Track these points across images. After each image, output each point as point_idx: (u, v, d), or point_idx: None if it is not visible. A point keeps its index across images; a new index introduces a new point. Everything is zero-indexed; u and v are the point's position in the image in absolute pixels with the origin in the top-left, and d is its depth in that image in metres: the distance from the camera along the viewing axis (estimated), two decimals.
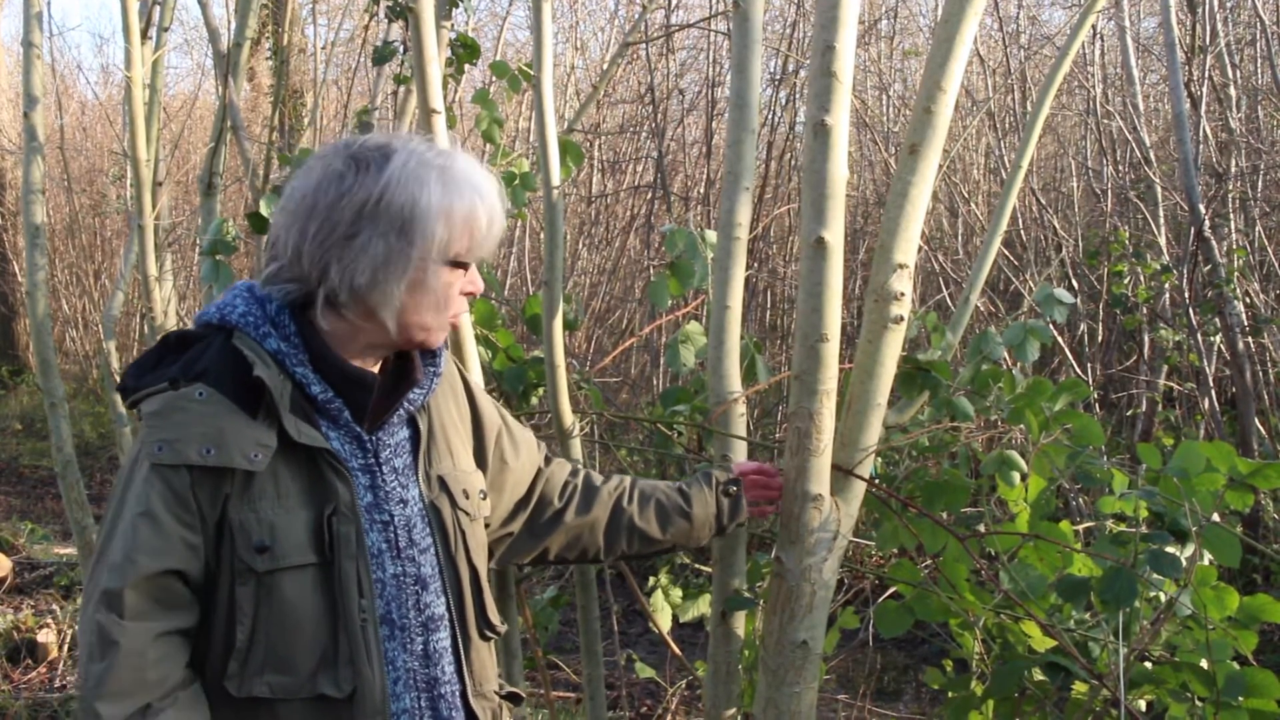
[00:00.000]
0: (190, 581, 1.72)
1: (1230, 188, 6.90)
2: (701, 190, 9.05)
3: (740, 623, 2.60)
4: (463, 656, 1.92)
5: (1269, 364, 6.67)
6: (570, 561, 2.36)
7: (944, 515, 2.65)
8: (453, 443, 2.01)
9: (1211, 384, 6.61)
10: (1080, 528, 2.99)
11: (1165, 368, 7.12)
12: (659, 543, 2.32)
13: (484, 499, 2.04)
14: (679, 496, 2.32)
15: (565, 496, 2.26)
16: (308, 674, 1.74)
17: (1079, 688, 2.53)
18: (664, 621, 3.16)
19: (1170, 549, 2.33)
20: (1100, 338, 7.64)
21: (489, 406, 2.16)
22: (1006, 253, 7.57)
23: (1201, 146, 6.62)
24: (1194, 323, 6.50)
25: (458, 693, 1.90)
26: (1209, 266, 6.41)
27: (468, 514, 1.97)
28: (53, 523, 8.32)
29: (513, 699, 2.07)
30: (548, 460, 2.30)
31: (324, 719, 1.75)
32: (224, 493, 1.72)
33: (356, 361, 1.85)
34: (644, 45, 8.34)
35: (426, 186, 1.77)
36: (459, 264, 1.83)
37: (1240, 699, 2.29)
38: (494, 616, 1.99)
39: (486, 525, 2.10)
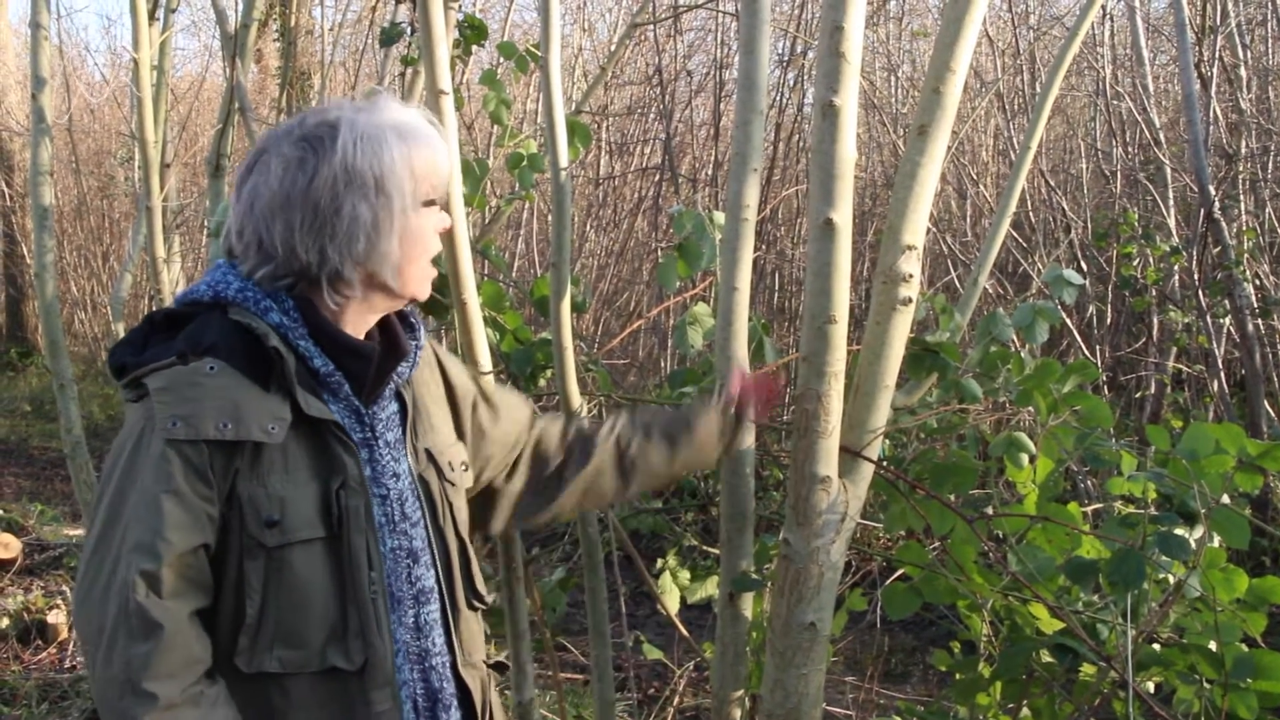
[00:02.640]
0: (211, 556, 1.73)
1: (1240, 169, 6.87)
2: (709, 172, 9.02)
3: (748, 604, 2.60)
4: (452, 627, 1.93)
5: (1278, 346, 6.65)
6: (587, 509, 2.40)
7: (952, 497, 2.65)
8: (434, 416, 2.02)
9: (1221, 366, 6.60)
10: (1089, 509, 2.99)
11: (1174, 349, 7.11)
12: (668, 475, 2.35)
13: (465, 470, 2.05)
14: (681, 425, 2.32)
15: (565, 451, 2.27)
16: (318, 647, 1.75)
17: (1087, 669, 2.53)
18: (672, 603, 3.16)
19: (1179, 531, 2.33)
20: (1109, 319, 7.63)
21: (460, 375, 2.16)
22: (1015, 234, 7.56)
23: (1212, 127, 6.60)
24: (1203, 304, 6.48)
25: (447, 664, 1.92)
26: (1218, 248, 6.39)
27: (454, 485, 1.99)
28: (62, 504, 8.34)
29: (498, 668, 2.10)
30: (537, 416, 2.30)
31: (334, 691, 1.76)
32: (234, 467, 1.72)
33: (354, 333, 1.87)
34: (652, 26, 8.32)
35: (385, 144, 1.81)
36: (429, 203, 1.88)
37: (1249, 681, 2.29)
38: (481, 587, 2.02)
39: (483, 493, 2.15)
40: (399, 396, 1.96)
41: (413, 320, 1.97)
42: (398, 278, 1.84)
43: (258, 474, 1.73)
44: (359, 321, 1.87)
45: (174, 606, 1.67)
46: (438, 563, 1.93)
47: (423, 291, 1.91)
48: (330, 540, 1.76)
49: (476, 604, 2.01)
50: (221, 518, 1.72)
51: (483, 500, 2.20)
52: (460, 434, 2.10)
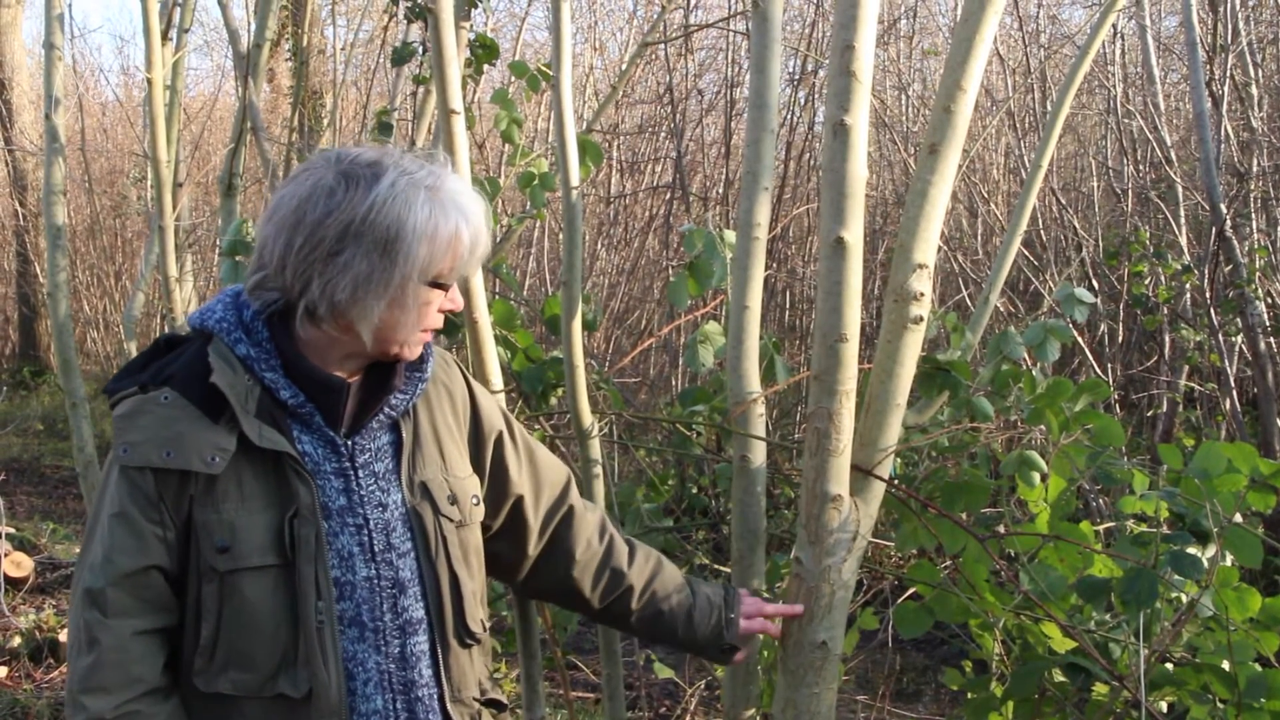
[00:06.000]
0: (171, 578, 1.79)
1: (1252, 187, 6.86)
2: (720, 190, 9.04)
3: None
4: (441, 661, 1.93)
5: None
6: (562, 595, 2.31)
7: (963, 516, 2.64)
8: (445, 448, 2.01)
9: (1233, 384, 6.57)
10: (1101, 528, 2.98)
11: (1186, 368, 7.08)
12: (640, 635, 2.36)
13: (477, 505, 2.04)
14: (684, 619, 2.27)
15: (602, 538, 2.24)
16: (268, 673, 1.79)
17: (1099, 689, 2.52)
18: None
19: (1191, 550, 2.33)
20: (1121, 338, 7.61)
21: (491, 411, 2.15)
22: (1026, 252, 7.54)
23: (1223, 146, 6.58)
24: (1215, 323, 6.46)
25: (435, 696, 1.92)
26: (1230, 266, 6.37)
27: (451, 520, 1.97)
28: (74, 523, 8.35)
29: (495, 705, 2.06)
30: (573, 495, 2.26)
31: (284, 717, 1.80)
32: (188, 494, 1.77)
33: (334, 369, 1.88)
34: (662, 45, 8.33)
35: (413, 208, 1.79)
36: (439, 284, 1.86)
37: (1262, 701, 2.28)
38: (474, 625, 1.99)
39: (489, 530, 2.11)
40: (395, 427, 1.96)
41: (425, 353, 1.97)
42: (373, 337, 1.84)
43: (212, 501, 1.78)
44: (332, 355, 1.87)
45: (117, 624, 1.75)
46: (427, 595, 1.93)
47: (405, 355, 1.90)
48: (283, 568, 1.80)
49: (468, 641, 1.99)
50: (182, 542, 1.78)
51: (507, 552, 2.18)
52: (479, 468, 2.09)
